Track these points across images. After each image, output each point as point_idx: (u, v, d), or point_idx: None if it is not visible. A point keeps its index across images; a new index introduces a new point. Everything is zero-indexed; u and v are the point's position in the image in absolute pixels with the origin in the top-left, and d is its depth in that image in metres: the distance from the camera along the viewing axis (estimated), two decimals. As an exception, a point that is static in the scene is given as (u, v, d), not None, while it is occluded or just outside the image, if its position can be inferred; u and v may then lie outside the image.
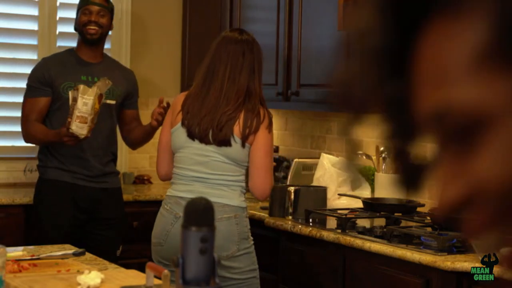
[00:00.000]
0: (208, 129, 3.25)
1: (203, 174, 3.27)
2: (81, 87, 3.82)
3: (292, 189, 3.83)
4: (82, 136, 3.82)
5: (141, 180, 5.20)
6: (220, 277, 3.20)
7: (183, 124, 3.30)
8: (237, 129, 3.24)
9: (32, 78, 4.19)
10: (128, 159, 5.16)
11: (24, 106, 4.19)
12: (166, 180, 3.47)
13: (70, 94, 3.87)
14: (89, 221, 4.15)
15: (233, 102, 3.26)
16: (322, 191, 3.86)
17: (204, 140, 3.27)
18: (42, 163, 4.18)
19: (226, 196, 3.24)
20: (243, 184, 3.30)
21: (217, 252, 3.17)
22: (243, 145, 3.25)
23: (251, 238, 3.28)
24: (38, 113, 4.13)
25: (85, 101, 3.79)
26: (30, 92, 4.17)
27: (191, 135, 3.29)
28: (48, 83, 4.13)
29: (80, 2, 4.26)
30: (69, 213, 4.09)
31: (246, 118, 3.24)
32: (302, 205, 3.72)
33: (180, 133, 3.32)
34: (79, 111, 3.78)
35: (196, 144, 3.28)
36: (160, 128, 3.62)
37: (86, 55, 4.22)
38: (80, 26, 4.18)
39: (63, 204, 4.09)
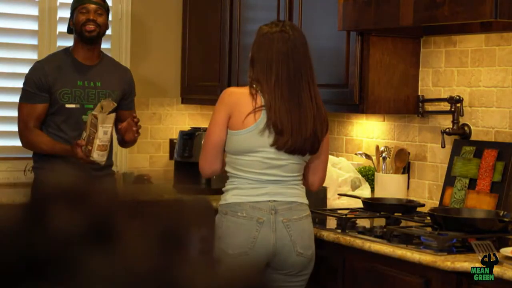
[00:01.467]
0: (307, 144, 3.16)
1: (279, 177, 3.16)
2: (100, 116, 3.83)
3: None
4: (102, 164, 3.91)
5: (141, 180, 5.19)
6: (303, 275, 3.21)
7: (276, 134, 3.12)
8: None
9: (29, 83, 4.12)
10: (128, 159, 5.16)
11: (21, 111, 4.14)
12: (210, 177, 3.30)
13: (89, 119, 3.87)
14: None
15: (321, 109, 3.21)
16: (322, 191, 3.86)
17: (299, 152, 3.16)
18: (38, 164, 4.17)
19: (300, 195, 3.22)
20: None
21: (304, 251, 3.18)
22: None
23: None
24: (36, 119, 4.09)
25: (105, 130, 3.85)
26: (27, 98, 4.11)
27: (282, 148, 3.13)
28: (46, 89, 4.08)
29: (75, 2, 4.21)
30: None
31: (325, 121, 3.23)
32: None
33: (252, 137, 3.14)
34: (100, 140, 3.84)
35: (271, 148, 3.14)
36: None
37: (82, 57, 4.18)
38: (78, 25, 4.14)
39: None
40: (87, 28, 4.12)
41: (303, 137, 3.14)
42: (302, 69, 3.18)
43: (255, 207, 3.11)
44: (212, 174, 3.31)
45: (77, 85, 4.12)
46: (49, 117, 4.11)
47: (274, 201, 3.13)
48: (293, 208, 3.16)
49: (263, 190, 3.14)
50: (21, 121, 4.14)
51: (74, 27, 4.18)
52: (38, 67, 4.16)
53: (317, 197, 3.82)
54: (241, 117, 3.13)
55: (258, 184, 3.15)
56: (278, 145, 3.13)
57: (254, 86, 3.17)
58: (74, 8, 4.19)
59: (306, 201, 3.25)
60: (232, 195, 3.17)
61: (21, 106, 4.15)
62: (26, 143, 4.16)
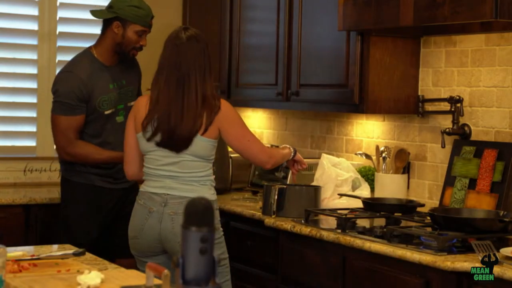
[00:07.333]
0: (178, 139, 3.34)
1: (174, 173, 3.38)
2: None
3: (276, 187, 3.82)
4: None
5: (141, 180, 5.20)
6: None
7: (154, 132, 3.38)
8: (202, 128, 3.35)
9: (70, 96, 3.98)
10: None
11: (60, 124, 4.00)
12: (135, 179, 3.62)
13: None
14: (113, 222, 4.15)
15: (198, 106, 3.33)
16: (312, 191, 3.85)
17: (174, 148, 3.37)
18: (71, 166, 4.09)
19: (196, 191, 3.36)
20: (212, 178, 3.43)
21: None
22: (207, 141, 3.36)
23: (221, 229, 3.44)
24: (76, 130, 4.01)
25: None
26: (67, 110, 3.99)
27: (160, 144, 3.38)
28: (86, 99, 3.99)
29: (137, 19, 4.03)
30: (99, 216, 4.09)
31: (207, 116, 3.34)
32: (290, 204, 3.71)
33: (145, 140, 3.41)
34: None
35: (160, 149, 3.39)
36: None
37: (106, 59, 4.09)
38: (128, 44, 4.05)
39: (94, 207, 4.09)
40: (134, 53, 4.10)
41: (176, 134, 3.32)
42: (191, 74, 3.33)
43: (151, 198, 3.39)
44: (132, 176, 3.57)
45: (110, 89, 4.07)
46: (87, 126, 4.05)
47: (168, 194, 3.36)
48: (183, 203, 3.19)
49: (161, 183, 3.39)
50: (61, 134, 4.01)
51: (120, 40, 4.05)
52: (74, 78, 4.01)
53: (308, 197, 3.82)
54: (139, 120, 3.41)
55: (157, 177, 3.40)
56: (156, 141, 3.37)
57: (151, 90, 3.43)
58: (132, 22, 4.04)
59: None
60: (142, 185, 3.47)
61: (59, 119, 4.01)
62: (72, 156, 4.03)
